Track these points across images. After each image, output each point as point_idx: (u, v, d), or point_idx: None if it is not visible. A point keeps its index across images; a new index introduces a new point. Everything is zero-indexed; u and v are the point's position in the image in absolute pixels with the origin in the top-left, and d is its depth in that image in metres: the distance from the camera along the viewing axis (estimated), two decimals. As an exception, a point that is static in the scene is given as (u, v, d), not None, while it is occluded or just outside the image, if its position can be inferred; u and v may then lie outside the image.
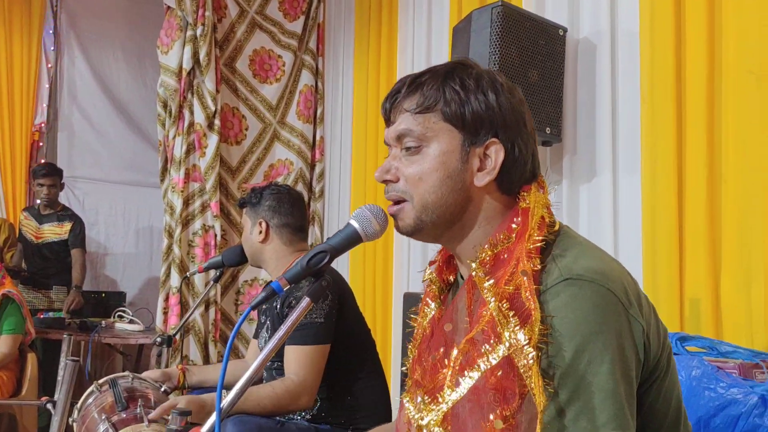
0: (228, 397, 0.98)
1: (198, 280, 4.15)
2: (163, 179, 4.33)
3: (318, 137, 4.68)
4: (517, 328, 0.88)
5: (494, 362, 0.90)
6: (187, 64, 4.17)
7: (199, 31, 4.17)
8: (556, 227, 0.99)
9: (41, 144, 5.19)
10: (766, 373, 1.72)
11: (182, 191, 4.16)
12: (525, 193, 1.02)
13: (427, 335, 1.10)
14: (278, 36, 4.60)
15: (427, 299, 1.13)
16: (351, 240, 1.03)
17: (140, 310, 4.40)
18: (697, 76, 2.07)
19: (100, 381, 2.00)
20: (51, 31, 5.19)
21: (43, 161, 5.03)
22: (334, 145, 4.60)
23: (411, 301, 2.60)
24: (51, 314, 3.94)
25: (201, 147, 4.23)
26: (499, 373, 0.89)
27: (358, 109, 4.26)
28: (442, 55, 3.38)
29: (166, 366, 2.37)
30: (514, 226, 0.99)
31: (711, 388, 1.64)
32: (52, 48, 5.21)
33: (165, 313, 4.10)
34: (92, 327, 3.81)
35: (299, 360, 1.86)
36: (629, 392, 0.89)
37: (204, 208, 4.24)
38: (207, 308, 4.20)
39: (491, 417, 0.88)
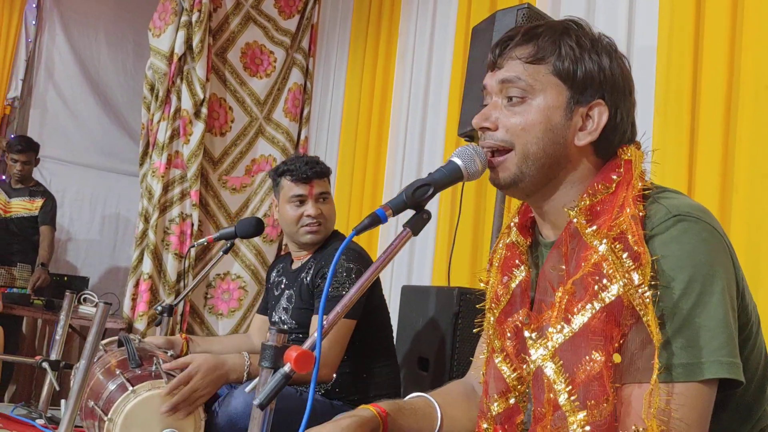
0: (331, 316, 0.95)
1: (170, 267, 4.05)
2: (143, 163, 4.23)
3: (303, 137, 4.66)
4: (631, 268, 0.90)
5: (608, 301, 0.92)
6: (179, 49, 4.11)
7: (194, 17, 4.13)
8: (649, 182, 1.01)
9: (12, 118, 5.01)
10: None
11: (163, 176, 4.07)
12: (625, 148, 1.04)
13: (513, 299, 1.11)
14: (272, 32, 4.58)
15: (516, 261, 1.13)
16: (453, 176, 1.03)
17: (105, 295, 4.25)
18: (713, 91, 2.14)
19: (105, 341, 1.94)
20: (34, 5, 5.04)
21: (13, 136, 4.86)
22: (319, 146, 4.59)
23: (409, 294, 2.60)
24: (15, 290, 3.77)
25: (186, 134, 4.15)
26: (610, 313, 0.91)
27: (349, 114, 4.26)
28: (444, 64, 3.42)
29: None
30: (614, 177, 1.00)
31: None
32: (34, 22, 5.06)
33: (134, 300, 3.98)
34: (59, 306, 3.66)
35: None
36: (735, 324, 0.92)
37: (183, 195, 4.16)
38: (176, 298, 4.10)
39: (604, 352, 0.90)
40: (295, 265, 2.18)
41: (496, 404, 1.10)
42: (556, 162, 1.04)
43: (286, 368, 0.89)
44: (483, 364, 1.18)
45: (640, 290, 0.89)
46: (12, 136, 4.91)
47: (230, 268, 4.41)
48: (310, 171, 2.12)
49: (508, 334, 1.10)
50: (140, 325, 3.91)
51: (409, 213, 1.04)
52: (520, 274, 1.11)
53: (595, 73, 1.03)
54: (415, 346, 2.44)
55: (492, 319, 1.14)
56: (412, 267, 3.35)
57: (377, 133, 3.89)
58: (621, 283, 0.91)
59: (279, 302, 2.15)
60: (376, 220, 0.97)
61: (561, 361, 0.96)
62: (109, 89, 5.35)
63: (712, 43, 2.16)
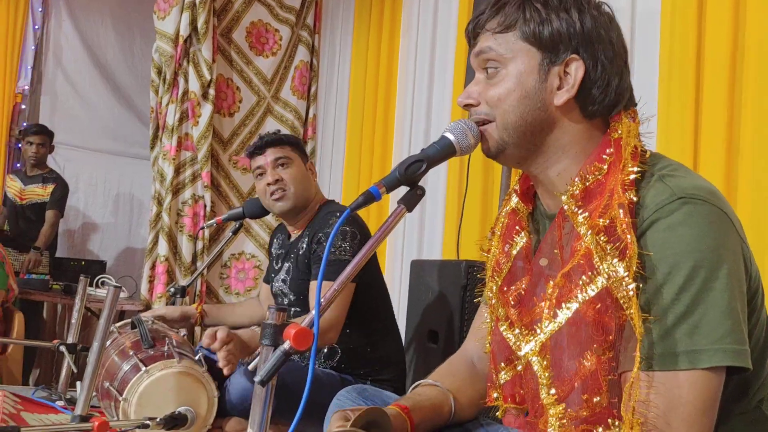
0: (328, 293, 0.97)
1: (185, 249, 4.10)
2: (153, 146, 4.26)
3: (311, 115, 4.66)
4: (616, 260, 0.90)
5: (592, 294, 0.92)
6: (184, 31, 4.11)
7: (198, -1, 4.13)
8: (648, 155, 0.99)
9: (23, 107, 5.06)
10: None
11: (174, 159, 4.11)
12: (616, 123, 1.02)
13: (514, 266, 1.11)
14: (276, 10, 4.56)
15: (516, 227, 1.12)
16: (446, 152, 1.04)
17: (122, 278, 4.32)
18: (718, 55, 2.12)
19: (119, 323, 1.98)
20: (40, -8, 5.07)
21: (25, 124, 4.92)
22: (327, 123, 4.60)
23: (418, 268, 2.62)
24: (34, 276, 3.84)
25: (194, 116, 4.17)
26: (598, 305, 0.91)
27: (355, 90, 4.26)
28: (449, 34, 3.41)
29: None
30: (605, 157, 0.99)
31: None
32: (40, 9, 5.08)
33: (151, 282, 4.04)
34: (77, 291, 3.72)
35: (325, 294, 1.86)
36: (743, 309, 0.91)
37: (195, 177, 4.19)
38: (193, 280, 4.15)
39: (592, 347, 0.90)
40: (292, 237, 2.21)
41: (503, 372, 1.10)
42: (538, 127, 1.03)
43: (286, 345, 0.91)
44: (487, 333, 1.18)
45: (624, 282, 0.88)
46: (24, 123, 4.97)
47: (244, 247, 4.45)
48: (261, 141, 2.15)
49: (512, 302, 1.09)
50: (159, 306, 3.97)
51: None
52: (521, 241, 1.11)
53: (563, 30, 1.01)
54: (425, 319, 2.47)
55: (494, 287, 1.14)
56: (422, 241, 3.37)
57: (384, 108, 3.88)
58: (606, 275, 0.90)
59: (279, 274, 2.19)
60: (370, 197, 0.98)
61: (548, 355, 0.96)
62: (117, 73, 5.38)
63: (716, 7, 2.14)
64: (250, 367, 0.97)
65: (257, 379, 0.91)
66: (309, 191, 2.16)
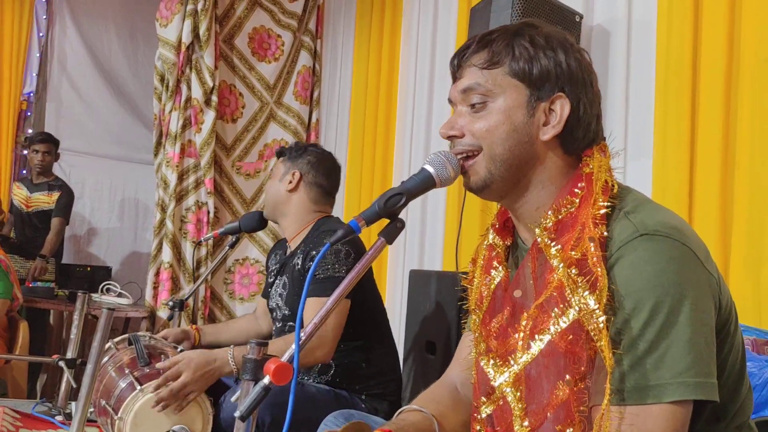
0: (309, 328, 0.98)
1: (188, 255, 4.12)
2: (157, 153, 4.29)
3: (314, 119, 4.68)
4: (587, 293, 0.91)
5: (564, 326, 0.93)
6: (186, 39, 4.14)
7: (200, 6, 4.14)
8: (615, 190, 1.00)
9: (29, 114, 5.10)
10: (778, 350, 1.79)
11: (177, 166, 4.13)
12: (588, 158, 1.04)
13: (494, 300, 1.12)
14: (278, 15, 4.58)
15: (494, 263, 1.14)
16: (425, 184, 1.05)
17: (127, 285, 4.35)
18: (713, 66, 2.11)
19: (117, 339, 2.00)
20: (44, 0, 5.10)
21: (30, 131, 4.96)
22: (329, 128, 4.61)
23: (417, 279, 2.62)
24: (39, 284, 3.87)
25: (197, 123, 4.20)
26: (570, 337, 0.92)
27: (357, 94, 4.27)
28: (448, 39, 3.41)
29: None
30: (577, 191, 1.01)
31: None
32: (44, 17, 5.11)
33: (155, 288, 4.07)
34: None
35: (317, 311, 1.87)
36: (709, 341, 0.92)
37: (198, 184, 4.21)
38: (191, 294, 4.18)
39: (565, 378, 0.91)
40: (288, 252, 2.24)
41: (484, 407, 1.11)
42: (524, 161, 1.05)
43: (266, 381, 0.92)
44: (472, 364, 1.19)
45: (594, 315, 0.89)
46: (30, 131, 5.01)
47: (248, 253, 4.47)
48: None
49: (494, 335, 1.10)
50: (163, 313, 4.00)
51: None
52: (498, 276, 1.12)
53: (551, 68, 1.04)
54: (424, 329, 2.47)
55: (477, 320, 1.15)
56: (423, 252, 3.37)
57: (385, 111, 3.89)
58: (577, 308, 0.91)
59: (275, 288, 2.21)
60: (349, 231, 1.00)
61: (521, 386, 0.97)
62: (121, 79, 5.40)
63: (711, 18, 2.13)
64: (233, 399, 0.98)
65: (237, 414, 0.92)
66: (279, 206, 2.21)
